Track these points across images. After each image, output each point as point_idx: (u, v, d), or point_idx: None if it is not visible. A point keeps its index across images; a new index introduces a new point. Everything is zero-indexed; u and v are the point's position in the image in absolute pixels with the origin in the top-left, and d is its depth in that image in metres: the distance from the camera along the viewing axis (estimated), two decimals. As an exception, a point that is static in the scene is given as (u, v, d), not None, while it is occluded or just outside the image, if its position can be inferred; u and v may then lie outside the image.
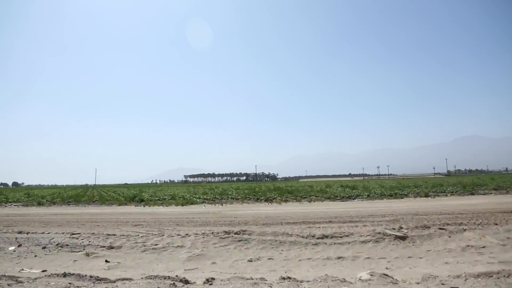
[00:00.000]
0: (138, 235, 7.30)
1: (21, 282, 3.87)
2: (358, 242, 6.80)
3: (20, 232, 7.77)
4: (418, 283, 3.97)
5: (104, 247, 6.66)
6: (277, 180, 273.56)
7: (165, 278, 3.87)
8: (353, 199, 17.07)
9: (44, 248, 6.67)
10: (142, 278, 3.98)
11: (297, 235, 7.19)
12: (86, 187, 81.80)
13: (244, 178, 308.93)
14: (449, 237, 6.71)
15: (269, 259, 5.98)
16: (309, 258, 5.98)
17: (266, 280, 4.11)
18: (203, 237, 7.06)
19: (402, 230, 7.53)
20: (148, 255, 6.19)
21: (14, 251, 6.54)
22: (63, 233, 7.61)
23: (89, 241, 6.93)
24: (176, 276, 4.02)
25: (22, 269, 5.40)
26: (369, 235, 7.14)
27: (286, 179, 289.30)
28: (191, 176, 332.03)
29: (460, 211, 10.25)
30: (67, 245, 6.75)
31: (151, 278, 3.86)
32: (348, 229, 7.67)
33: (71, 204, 17.91)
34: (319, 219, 9.29)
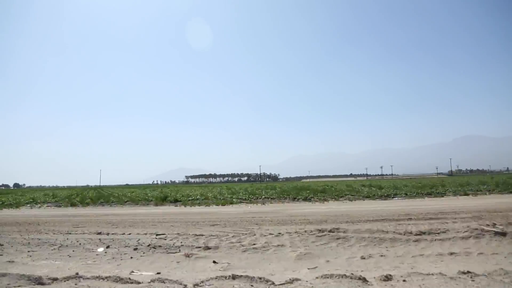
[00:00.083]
0: (228, 235, 7.02)
1: (179, 284, 3.58)
2: (458, 238, 6.59)
3: (99, 233, 7.47)
4: None
5: (199, 247, 6.37)
6: (279, 180, 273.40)
7: (341, 276, 3.59)
8: (392, 197, 16.80)
9: (135, 249, 6.37)
10: (317, 278, 3.70)
11: (393, 232, 6.95)
12: (91, 188, 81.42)
13: (246, 178, 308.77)
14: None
15: (381, 256, 5.75)
16: (421, 254, 5.76)
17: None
18: (298, 236, 6.79)
19: (497, 226, 7.29)
20: (252, 255, 5.90)
21: (106, 253, 6.25)
22: (145, 233, 7.31)
23: (181, 242, 6.64)
24: (352, 274, 3.74)
25: (132, 272, 5.11)
26: (466, 232, 6.91)
27: (287, 179, 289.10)
28: (192, 177, 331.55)
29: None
30: (160, 246, 6.46)
31: (327, 277, 3.58)
32: (438, 225, 7.47)
33: (105, 205, 17.59)
34: (394, 217, 9.04)
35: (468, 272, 4.14)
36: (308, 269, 5.11)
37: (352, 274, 3.80)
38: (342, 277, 3.65)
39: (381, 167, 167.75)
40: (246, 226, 8.19)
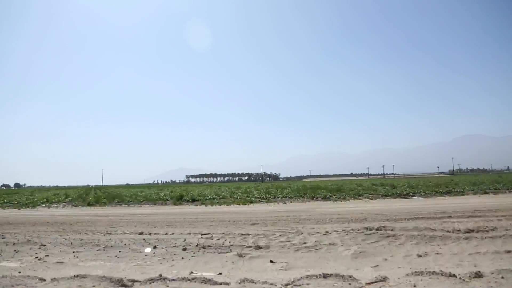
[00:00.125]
0: (275, 234, 6.93)
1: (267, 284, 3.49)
2: (509, 236, 6.52)
3: (141, 233, 7.37)
4: None
5: (250, 247, 6.28)
6: (279, 180, 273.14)
7: (432, 273, 3.51)
8: (412, 196, 16.73)
9: (184, 249, 6.28)
10: (407, 275, 3.62)
11: (441, 229, 6.89)
12: (96, 188, 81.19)
13: (246, 178, 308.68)
14: None
15: (437, 254, 5.66)
16: (477, 252, 5.67)
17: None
18: (347, 234, 6.71)
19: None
20: (306, 254, 5.82)
21: (154, 253, 6.15)
22: (189, 233, 7.22)
23: (230, 242, 6.55)
24: (441, 271, 3.66)
25: (192, 272, 5.01)
26: (516, 229, 6.86)
27: (288, 179, 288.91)
28: (193, 177, 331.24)
29: None
30: (209, 246, 6.36)
31: (418, 275, 3.50)
32: (484, 223, 7.43)
33: (122, 205, 17.49)
34: (431, 215, 8.96)
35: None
36: (371, 267, 5.04)
37: (441, 271, 3.71)
38: (432, 274, 3.57)
39: (383, 167, 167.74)
40: (287, 225, 8.11)
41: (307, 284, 3.33)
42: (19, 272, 4.75)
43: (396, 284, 3.40)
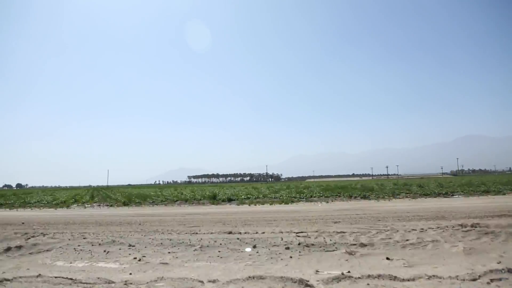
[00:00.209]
0: (370, 232, 6.77)
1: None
2: None
3: (230, 232, 7.18)
4: None
5: (354, 244, 6.11)
6: (281, 180, 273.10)
7: None
8: (452, 195, 16.55)
9: (287, 248, 6.09)
10: None
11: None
12: (101, 188, 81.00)
13: (248, 178, 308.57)
14: None
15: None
16: None
17: None
18: (443, 231, 6.57)
19: None
20: (414, 251, 5.65)
21: (257, 252, 5.96)
22: (280, 231, 7.05)
23: (330, 240, 6.38)
24: None
25: (318, 271, 4.83)
26: None
27: (289, 179, 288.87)
28: (194, 177, 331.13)
29: None
30: (312, 244, 6.18)
31: None
32: None
33: (158, 204, 17.31)
34: (509, 213, 8.79)
35: None
36: (497, 263, 4.87)
37: None
38: None
39: (387, 167, 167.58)
40: (372, 222, 7.95)
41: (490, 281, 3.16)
42: (145, 272, 4.57)
43: None
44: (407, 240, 6.22)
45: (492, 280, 3.31)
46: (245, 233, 7.06)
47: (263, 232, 7.04)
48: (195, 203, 17.03)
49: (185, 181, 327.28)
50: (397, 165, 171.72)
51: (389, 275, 3.49)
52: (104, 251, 6.40)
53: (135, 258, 5.84)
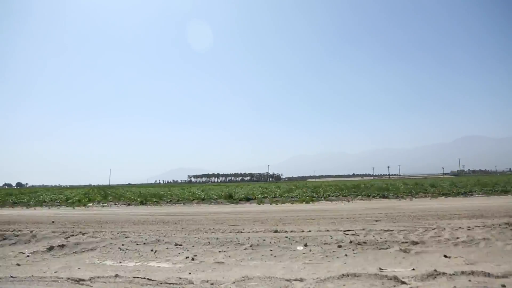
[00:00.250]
0: (417, 230, 6.80)
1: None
2: None
3: (276, 231, 7.15)
4: None
5: (406, 242, 6.12)
6: (281, 180, 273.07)
7: None
8: (470, 195, 16.54)
9: (340, 246, 6.08)
10: None
11: None
12: (101, 187, 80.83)
13: (249, 178, 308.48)
14: None
15: None
16: None
17: None
18: (491, 229, 6.65)
19: None
20: (468, 249, 5.70)
21: (311, 251, 5.95)
22: (327, 230, 7.05)
23: (380, 237, 6.38)
24: None
25: (381, 269, 4.82)
26: None
27: (290, 179, 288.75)
28: (195, 176, 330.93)
29: None
30: (364, 242, 6.17)
31: None
32: None
33: (177, 203, 17.28)
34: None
35: None
36: None
37: None
38: None
39: (388, 167, 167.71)
40: (410, 221, 7.93)
41: None
42: (202, 271, 4.53)
43: None
44: (457, 238, 6.22)
45: None
46: (291, 231, 7.04)
47: (309, 231, 7.02)
48: (214, 202, 16.99)
49: (185, 180, 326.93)
50: (399, 165, 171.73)
51: (482, 271, 3.47)
52: (151, 250, 6.35)
53: (187, 257, 5.80)
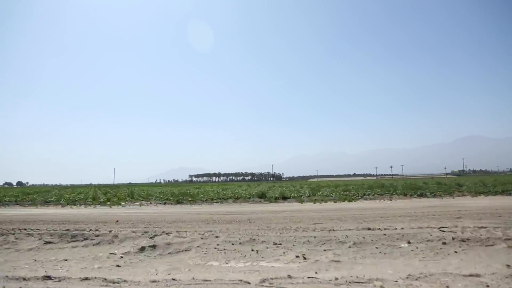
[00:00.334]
0: (510, 227, 6.80)
1: None
2: None
3: (368, 229, 7.15)
4: None
5: (509, 239, 6.11)
6: (282, 179, 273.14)
7: None
8: (505, 194, 16.56)
9: (444, 243, 6.05)
10: None
11: None
12: (105, 186, 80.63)
13: (250, 177, 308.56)
14: None
15: None
16: None
17: None
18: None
19: None
20: None
21: (417, 247, 5.91)
22: (419, 227, 7.03)
23: (480, 234, 6.37)
24: None
25: (508, 265, 4.80)
26: None
27: (290, 178, 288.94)
28: (196, 176, 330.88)
29: None
30: (468, 239, 6.15)
31: None
32: None
33: (212, 203, 17.23)
34: None
35: None
36: None
37: None
38: None
39: (391, 167, 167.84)
40: (491, 218, 7.96)
41: None
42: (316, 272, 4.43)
43: None
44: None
45: None
46: (385, 229, 7.01)
47: (402, 228, 7.00)
48: (250, 201, 16.96)
49: (186, 180, 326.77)
50: (402, 165, 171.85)
51: None
52: (252, 250, 6.12)
53: (297, 256, 5.65)
